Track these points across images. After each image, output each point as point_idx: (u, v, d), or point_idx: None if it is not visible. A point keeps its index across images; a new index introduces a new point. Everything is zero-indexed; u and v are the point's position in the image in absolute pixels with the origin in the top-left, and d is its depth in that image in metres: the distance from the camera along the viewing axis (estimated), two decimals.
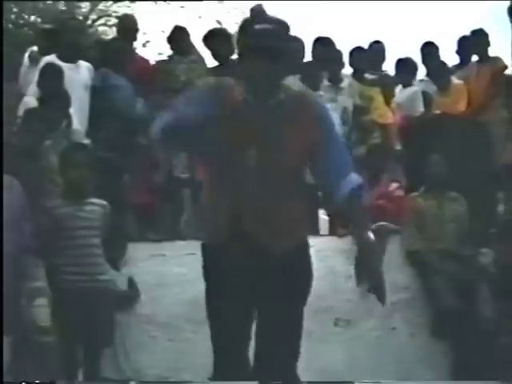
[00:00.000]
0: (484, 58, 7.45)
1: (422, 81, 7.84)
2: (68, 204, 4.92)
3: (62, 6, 15.44)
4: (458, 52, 7.83)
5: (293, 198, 3.35)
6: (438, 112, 7.26)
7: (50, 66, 6.09)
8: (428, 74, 7.83)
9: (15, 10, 14.70)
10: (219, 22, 13.53)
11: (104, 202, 5.07)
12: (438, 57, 7.77)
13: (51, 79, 5.92)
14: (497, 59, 7.39)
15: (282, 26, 3.31)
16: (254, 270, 3.26)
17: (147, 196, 6.47)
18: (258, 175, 3.21)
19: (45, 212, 4.88)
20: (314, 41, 7.38)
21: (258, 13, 3.46)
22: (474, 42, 7.55)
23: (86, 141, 5.86)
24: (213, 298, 3.33)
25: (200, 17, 14.87)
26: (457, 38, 7.82)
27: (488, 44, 7.48)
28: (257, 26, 3.24)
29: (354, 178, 3.38)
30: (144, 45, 14.84)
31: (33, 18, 15.39)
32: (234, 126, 3.20)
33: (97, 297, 4.88)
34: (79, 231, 4.90)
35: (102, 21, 17.06)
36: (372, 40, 7.83)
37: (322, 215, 7.48)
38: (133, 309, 5.78)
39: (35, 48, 6.80)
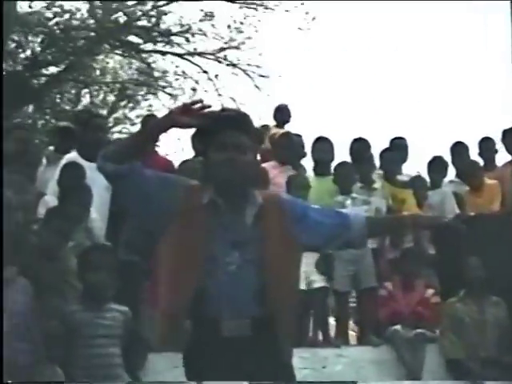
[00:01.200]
0: None
1: (452, 182, 7.60)
2: (87, 310, 4.58)
3: (80, 107, 15.47)
4: (480, 154, 7.62)
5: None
6: (471, 213, 6.94)
7: (71, 164, 5.88)
8: (458, 175, 7.59)
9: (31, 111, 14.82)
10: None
11: (125, 309, 4.74)
12: (469, 156, 7.56)
13: (73, 177, 5.69)
14: None
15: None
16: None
17: None
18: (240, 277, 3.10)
19: (62, 318, 4.52)
20: (352, 142, 7.27)
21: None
22: (507, 142, 7.35)
23: (107, 243, 5.57)
24: None
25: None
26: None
27: None
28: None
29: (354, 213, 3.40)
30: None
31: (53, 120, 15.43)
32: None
33: None
34: (98, 340, 4.54)
35: (119, 127, 17.08)
36: (394, 136, 7.60)
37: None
38: None
39: (52, 147, 6.64)
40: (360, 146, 7.22)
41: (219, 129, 3.14)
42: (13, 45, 14.04)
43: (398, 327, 6.04)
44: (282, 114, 8.24)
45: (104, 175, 3.18)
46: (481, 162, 7.58)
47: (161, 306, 3.21)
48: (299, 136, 7.28)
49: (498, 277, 6.21)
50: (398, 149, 7.46)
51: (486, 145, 7.58)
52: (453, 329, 6.01)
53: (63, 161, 6.04)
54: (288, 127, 8.22)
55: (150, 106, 16.81)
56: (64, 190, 5.60)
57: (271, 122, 8.35)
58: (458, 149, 7.62)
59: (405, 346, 5.94)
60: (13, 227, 3.55)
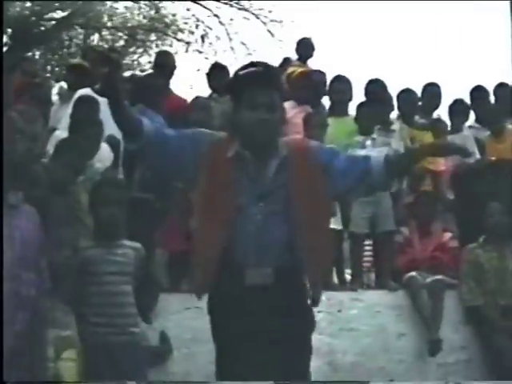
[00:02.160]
0: None
1: (471, 127, 7.42)
2: (97, 246, 4.40)
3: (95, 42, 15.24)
4: (496, 100, 7.47)
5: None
6: (492, 158, 6.76)
7: (84, 97, 5.72)
8: (478, 120, 7.40)
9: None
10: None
11: (138, 245, 4.55)
12: (489, 101, 7.38)
13: (86, 110, 5.52)
14: None
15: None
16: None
17: (182, 243, 5.92)
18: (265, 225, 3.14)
19: (71, 254, 4.37)
20: (367, 83, 7.06)
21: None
22: None
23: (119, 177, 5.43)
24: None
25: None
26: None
27: None
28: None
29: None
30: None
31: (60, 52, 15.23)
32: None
33: (127, 352, 4.32)
34: (109, 277, 4.35)
35: (129, 73, 16.77)
36: (427, 82, 7.35)
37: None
38: (165, 366, 5.26)
39: (64, 84, 6.49)
40: (375, 87, 7.02)
41: (250, 85, 3.12)
42: None
43: (414, 273, 5.92)
44: (305, 48, 7.93)
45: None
46: None
47: (193, 258, 3.33)
48: (322, 73, 7.03)
49: None
50: (430, 95, 7.25)
51: (503, 91, 7.39)
52: (472, 275, 5.89)
53: (76, 95, 5.89)
54: (311, 62, 7.98)
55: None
56: (76, 122, 5.43)
57: None
58: (479, 93, 7.43)
59: (422, 293, 5.84)
60: (22, 154, 3.37)
